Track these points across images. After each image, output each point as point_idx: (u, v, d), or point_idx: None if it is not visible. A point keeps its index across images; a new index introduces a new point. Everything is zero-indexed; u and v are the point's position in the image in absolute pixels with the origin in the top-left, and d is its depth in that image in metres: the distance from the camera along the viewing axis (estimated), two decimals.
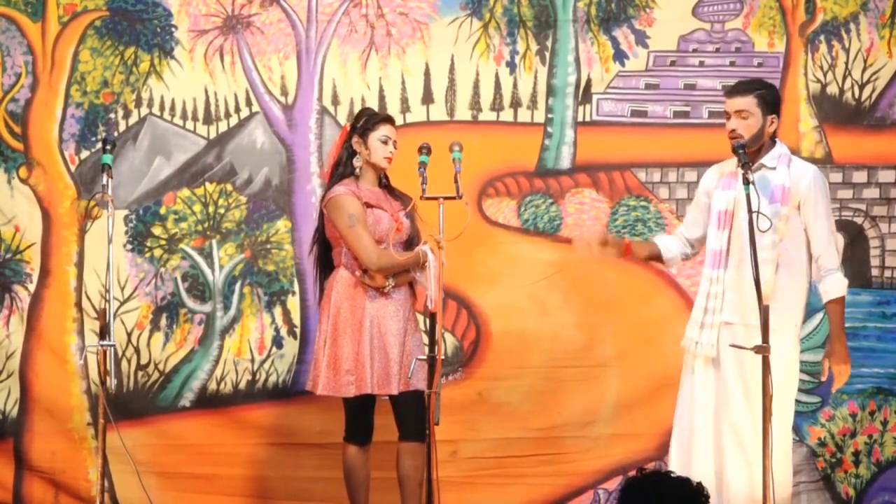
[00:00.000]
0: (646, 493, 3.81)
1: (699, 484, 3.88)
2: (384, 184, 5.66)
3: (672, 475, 3.94)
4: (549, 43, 6.41)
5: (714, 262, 5.34)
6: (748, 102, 5.29)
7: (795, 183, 5.28)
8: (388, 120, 5.64)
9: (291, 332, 6.37)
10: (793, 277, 5.28)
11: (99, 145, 6.03)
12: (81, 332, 6.31)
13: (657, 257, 5.60)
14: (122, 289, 6.35)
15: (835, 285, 5.31)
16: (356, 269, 5.49)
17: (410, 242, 5.62)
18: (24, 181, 6.37)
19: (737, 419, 5.23)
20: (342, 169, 5.59)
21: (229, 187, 6.41)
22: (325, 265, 5.65)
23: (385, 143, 5.55)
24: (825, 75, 6.37)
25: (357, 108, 6.34)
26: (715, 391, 5.30)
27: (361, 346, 5.43)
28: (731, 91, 5.35)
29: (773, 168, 5.29)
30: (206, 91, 6.39)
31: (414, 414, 5.44)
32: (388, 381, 5.44)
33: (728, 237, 5.31)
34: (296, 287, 6.38)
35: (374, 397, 5.51)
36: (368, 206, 5.51)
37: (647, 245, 5.65)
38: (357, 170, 5.56)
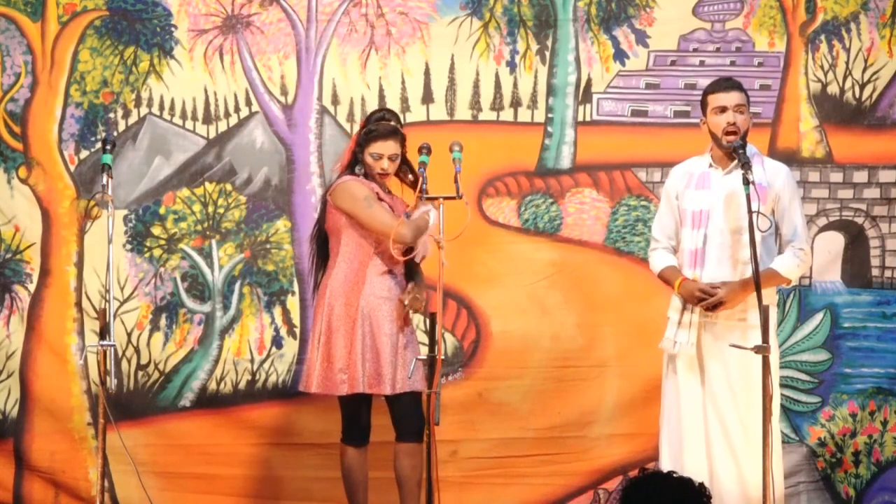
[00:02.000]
0: (647, 494, 3.81)
1: (701, 484, 3.88)
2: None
3: (674, 475, 3.94)
4: (549, 42, 6.41)
5: (690, 262, 5.34)
6: (744, 97, 5.34)
7: (771, 182, 5.33)
8: (386, 136, 5.52)
9: (291, 332, 6.37)
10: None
11: (98, 145, 6.03)
12: (81, 332, 6.31)
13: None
14: (122, 289, 6.35)
15: (787, 262, 5.27)
16: (371, 253, 5.47)
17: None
18: (23, 181, 6.36)
19: (723, 415, 5.24)
20: (351, 169, 5.58)
21: (229, 187, 6.41)
22: (323, 259, 5.64)
23: (377, 159, 5.52)
24: (826, 75, 6.37)
25: (357, 108, 6.35)
26: (700, 389, 5.31)
27: (354, 345, 5.43)
28: (730, 86, 5.35)
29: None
30: (206, 91, 6.38)
31: (410, 414, 5.43)
32: (379, 381, 5.42)
33: (704, 236, 5.32)
34: (295, 287, 6.37)
35: (370, 397, 5.50)
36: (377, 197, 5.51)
37: (676, 270, 5.48)
38: (360, 176, 5.56)
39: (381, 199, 5.50)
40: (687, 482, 3.87)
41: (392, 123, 5.58)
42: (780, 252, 5.37)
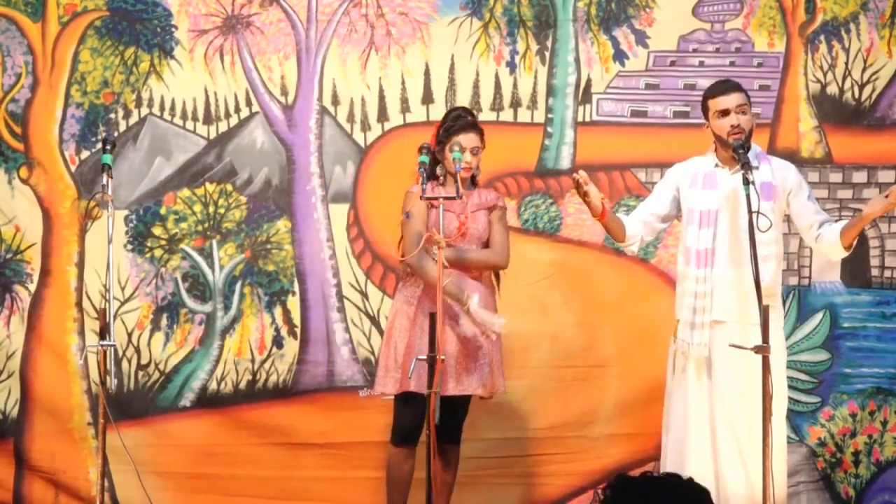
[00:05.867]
0: (645, 494, 3.79)
1: (689, 479, 3.85)
2: (475, 183, 5.65)
3: (670, 476, 3.92)
4: (549, 43, 6.41)
5: (699, 262, 5.32)
6: (744, 98, 5.35)
7: (781, 181, 5.35)
8: (467, 129, 5.52)
9: (291, 332, 6.37)
10: (777, 273, 5.32)
11: (99, 145, 6.02)
12: (82, 332, 6.31)
13: (619, 236, 5.53)
14: (123, 289, 6.36)
15: (836, 228, 5.30)
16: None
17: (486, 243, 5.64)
18: (24, 181, 6.37)
19: (733, 418, 5.23)
20: (428, 171, 5.47)
21: (229, 187, 6.41)
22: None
23: (461, 152, 5.46)
24: (825, 75, 6.38)
25: (357, 108, 6.36)
26: (709, 391, 5.30)
27: (412, 344, 5.43)
28: (729, 88, 5.36)
29: (757, 167, 5.30)
30: (206, 91, 6.39)
31: (452, 417, 5.42)
32: (444, 381, 5.31)
33: (713, 235, 5.31)
34: (296, 287, 6.38)
35: (423, 400, 5.35)
36: (432, 206, 5.43)
37: (618, 221, 5.53)
38: (441, 177, 5.54)
39: (434, 207, 5.37)
40: (684, 482, 3.84)
41: (470, 118, 5.59)
42: (819, 232, 5.35)
